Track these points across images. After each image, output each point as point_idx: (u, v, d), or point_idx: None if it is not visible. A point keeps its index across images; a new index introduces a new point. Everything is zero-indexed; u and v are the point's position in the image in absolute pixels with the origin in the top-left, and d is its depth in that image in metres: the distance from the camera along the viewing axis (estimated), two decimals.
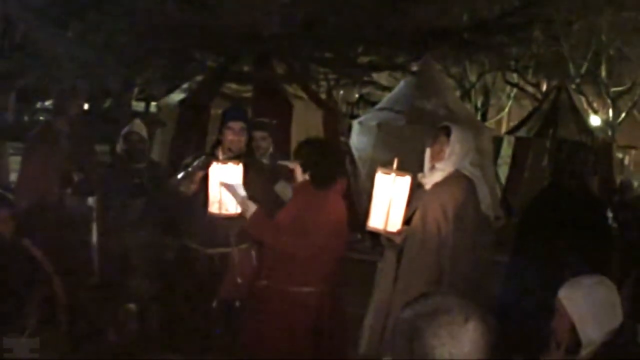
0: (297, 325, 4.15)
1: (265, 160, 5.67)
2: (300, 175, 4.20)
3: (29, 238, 4.74)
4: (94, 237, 6.26)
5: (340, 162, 4.56)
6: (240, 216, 4.33)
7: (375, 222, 4.09)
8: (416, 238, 4.32)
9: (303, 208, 4.10)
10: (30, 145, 6.10)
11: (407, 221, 4.27)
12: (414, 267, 4.31)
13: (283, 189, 5.12)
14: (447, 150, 4.35)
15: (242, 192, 4.16)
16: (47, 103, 13.77)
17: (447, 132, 4.38)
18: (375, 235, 4.33)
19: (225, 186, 4.24)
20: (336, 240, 4.19)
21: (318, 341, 4.18)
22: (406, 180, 4.06)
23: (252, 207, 4.09)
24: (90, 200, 6.41)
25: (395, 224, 4.09)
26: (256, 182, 4.56)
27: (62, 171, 5.87)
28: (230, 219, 4.43)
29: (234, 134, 4.74)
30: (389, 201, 4.03)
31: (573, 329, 3.02)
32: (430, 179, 4.42)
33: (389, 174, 4.05)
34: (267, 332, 4.14)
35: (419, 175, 4.42)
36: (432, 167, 4.44)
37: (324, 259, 4.14)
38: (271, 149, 5.97)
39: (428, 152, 4.48)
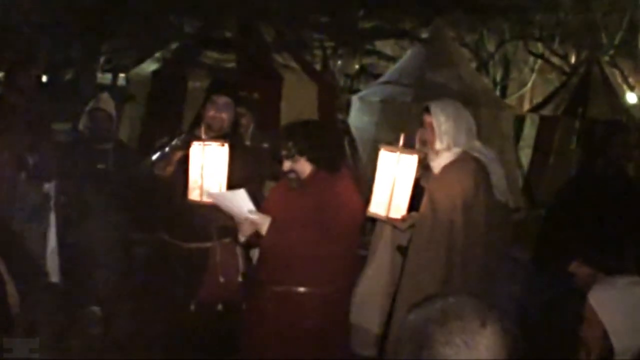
0: (325, 329, 4.20)
1: (247, 142, 5.65)
2: (306, 167, 4.17)
3: None
4: (52, 230, 6.25)
5: (339, 139, 4.60)
6: None
7: (376, 207, 4.11)
8: (425, 228, 4.34)
9: (320, 199, 4.08)
10: None
11: (412, 206, 4.28)
12: (422, 261, 4.33)
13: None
14: (436, 128, 4.38)
15: (249, 204, 4.05)
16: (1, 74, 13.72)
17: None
18: (376, 222, 4.35)
19: (227, 207, 4.16)
20: (354, 230, 4.21)
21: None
22: (412, 160, 4.07)
23: (267, 220, 4.03)
24: (47, 187, 6.39)
25: (398, 210, 4.11)
26: (241, 168, 4.54)
27: (15, 153, 5.84)
28: (212, 208, 4.43)
29: (216, 109, 4.71)
30: (392, 183, 4.04)
31: (605, 336, 3.03)
32: (437, 162, 4.46)
33: (393, 152, 4.06)
34: (301, 341, 4.17)
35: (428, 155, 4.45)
36: (437, 152, 4.47)
37: (342, 255, 4.16)
38: (252, 128, 5.95)
39: (423, 139, 4.51)
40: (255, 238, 4.17)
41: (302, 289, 4.13)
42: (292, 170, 4.18)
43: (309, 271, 4.11)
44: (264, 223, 4.03)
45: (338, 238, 4.06)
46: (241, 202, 4.06)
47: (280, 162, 4.23)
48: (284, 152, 4.17)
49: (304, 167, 4.17)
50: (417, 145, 4.48)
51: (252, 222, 4.04)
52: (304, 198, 4.15)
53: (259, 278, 4.33)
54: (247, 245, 4.72)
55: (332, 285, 4.18)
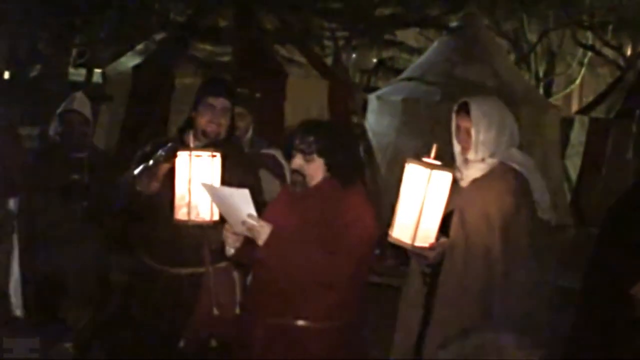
0: None
1: (245, 149, 5.64)
2: (319, 171, 4.15)
3: None
4: (15, 253, 6.27)
5: (357, 150, 4.53)
6: (216, 224, 4.33)
7: (400, 232, 4.03)
8: (457, 257, 4.31)
9: (327, 213, 4.06)
10: None
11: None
12: (454, 296, 4.29)
13: (264, 180, 5.12)
14: (473, 135, 4.36)
15: (251, 208, 3.98)
16: None
17: (469, 111, 4.38)
18: (398, 249, 4.30)
19: (223, 205, 4.14)
20: (365, 253, 4.13)
21: None
22: (446, 178, 3.99)
23: (267, 228, 3.97)
24: (12, 203, 6.43)
25: (427, 237, 4.01)
26: (238, 180, 4.53)
27: None
28: (203, 227, 4.43)
29: (213, 114, 4.70)
30: (420, 205, 3.95)
31: None
32: (466, 174, 4.43)
33: (423, 167, 4.01)
34: None
35: (455, 166, 4.41)
36: (466, 160, 4.44)
37: (350, 282, 4.11)
38: (250, 132, 5.95)
39: (455, 142, 4.47)
40: (246, 255, 4.14)
41: (301, 323, 4.09)
42: (300, 171, 4.15)
43: (310, 300, 4.07)
44: (263, 231, 3.94)
45: (345, 261, 4.01)
46: (242, 204, 3.98)
47: (291, 158, 4.19)
48: (301, 146, 4.12)
49: (317, 171, 4.14)
50: (457, 152, 4.44)
51: (250, 229, 3.97)
52: (307, 209, 4.12)
53: (249, 307, 4.32)
54: (239, 265, 4.71)
55: (338, 319, 4.14)
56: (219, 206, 4.19)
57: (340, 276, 4.03)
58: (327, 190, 4.13)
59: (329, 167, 4.14)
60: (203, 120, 4.71)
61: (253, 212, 3.97)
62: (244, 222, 3.97)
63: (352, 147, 4.28)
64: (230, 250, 4.18)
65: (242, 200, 3.97)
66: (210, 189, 4.14)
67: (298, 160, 4.14)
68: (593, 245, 5.81)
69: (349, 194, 4.13)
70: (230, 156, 4.50)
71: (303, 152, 4.13)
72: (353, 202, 4.12)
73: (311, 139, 4.12)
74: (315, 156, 4.12)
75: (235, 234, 4.10)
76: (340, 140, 4.21)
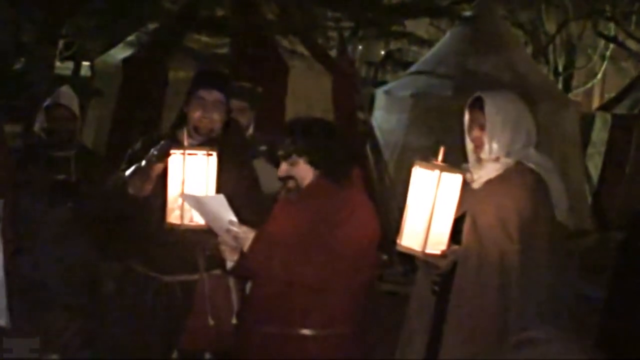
0: None
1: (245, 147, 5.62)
2: (307, 172, 4.15)
3: None
4: (0, 257, 6.26)
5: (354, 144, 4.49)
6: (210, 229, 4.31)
7: (409, 240, 4.01)
8: (470, 266, 4.29)
9: (324, 213, 4.05)
10: None
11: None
12: (468, 302, 4.28)
13: (262, 170, 5.11)
14: (487, 132, 4.33)
15: (230, 214, 4.01)
16: None
17: (483, 106, 4.35)
18: (408, 257, 4.28)
19: (205, 213, 4.15)
20: (367, 255, 4.14)
21: None
22: (456, 180, 3.98)
23: (250, 234, 3.99)
24: None
25: (438, 243, 4.00)
26: (237, 181, 4.51)
27: None
28: (197, 232, 4.40)
29: (205, 108, 4.67)
30: (430, 210, 3.94)
31: None
32: (478, 175, 4.40)
33: (431, 170, 3.99)
34: None
35: (463, 166, 4.38)
36: (479, 159, 4.41)
37: (353, 285, 4.11)
38: (251, 129, 5.93)
39: (468, 140, 4.44)
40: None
41: (304, 331, 4.09)
42: (289, 176, 4.15)
43: (311, 308, 4.07)
44: (246, 237, 3.97)
45: (347, 263, 4.00)
46: (220, 210, 4.01)
47: (277, 166, 4.21)
48: (280, 152, 4.15)
49: (305, 173, 4.14)
50: (470, 150, 4.41)
51: (234, 237, 3.98)
52: (302, 211, 4.12)
53: (247, 316, 4.30)
54: (238, 275, 4.68)
55: (342, 327, 4.14)
56: (202, 216, 4.19)
57: (338, 278, 4.01)
58: (319, 188, 4.14)
59: (315, 165, 4.13)
60: (195, 116, 4.67)
61: (233, 217, 4.00)
62: (228, 230, 3.99)
63: (334, 140, 4.24)
64: (230, 264, 4.17)
65: (220, 207, 4.01)
66: (190, 199, 4.16)
67: (283, 167, 4.17)
68: (617, 250, 5.80)
69: (343, 191, 4.13)
70: (227, 154, 4.47)
71: (284, 157, 4.15)
72: (347, 198, 4.11)
73: (288, 141, 4.14)
74: (295, 157, 4.13)
75: (230, 246, 4.09)
76: (319, 135, 4.20)
